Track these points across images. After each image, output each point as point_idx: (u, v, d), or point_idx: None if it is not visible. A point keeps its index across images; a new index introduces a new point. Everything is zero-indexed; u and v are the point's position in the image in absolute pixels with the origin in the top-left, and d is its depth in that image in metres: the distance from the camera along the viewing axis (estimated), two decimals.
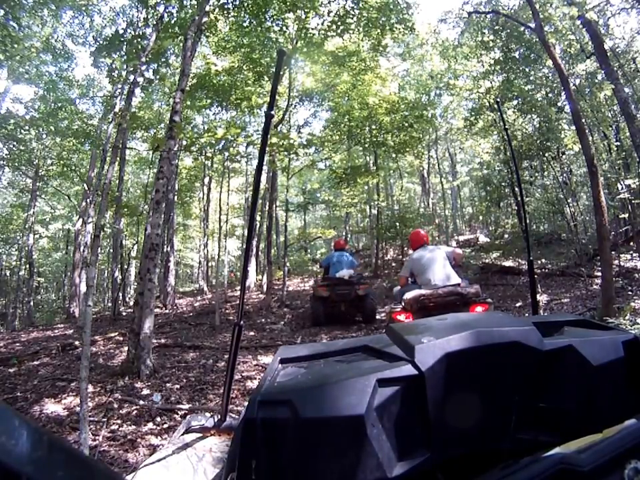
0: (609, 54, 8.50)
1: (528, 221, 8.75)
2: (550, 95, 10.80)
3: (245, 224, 17.32)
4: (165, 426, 3.27)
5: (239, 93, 10.44)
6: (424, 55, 15.63)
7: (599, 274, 6.92)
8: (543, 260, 9.96)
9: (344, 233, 18.22)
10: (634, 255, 8.69)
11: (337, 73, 11.02)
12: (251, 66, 9.88)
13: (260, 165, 1.05)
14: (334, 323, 7.68)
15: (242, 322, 0.96)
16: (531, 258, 1.54)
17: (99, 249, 4.15)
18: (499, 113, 7.70)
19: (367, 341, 0.75)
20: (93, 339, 6.38)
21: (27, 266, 15.47)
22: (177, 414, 3.47)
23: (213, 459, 1.08)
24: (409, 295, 3.81)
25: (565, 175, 11.37)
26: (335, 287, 7.44)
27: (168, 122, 5.93)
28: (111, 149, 5.40)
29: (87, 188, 12.55)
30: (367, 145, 13.03)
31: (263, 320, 8.56)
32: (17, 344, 7.54)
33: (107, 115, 10.50)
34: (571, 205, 11.10)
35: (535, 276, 1.82)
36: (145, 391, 4.07)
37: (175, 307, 11.86)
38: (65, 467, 0.36)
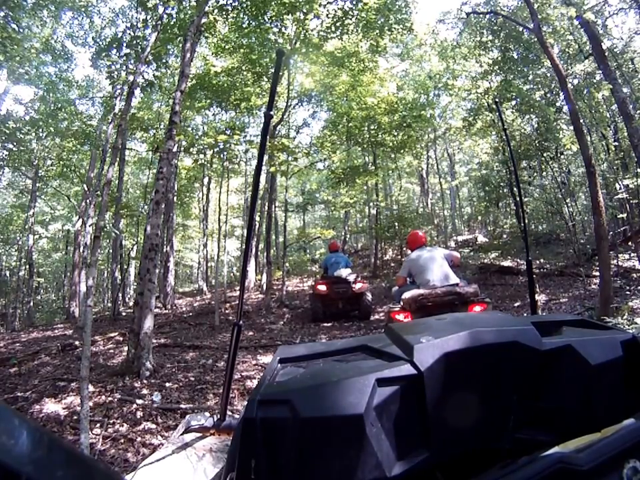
0: (607, 54, 8.50)
1: (526, 221, 8.75)
2: (548, 95, 10.81)
3: (245, 224, 17.31)
4: (165, 425, 3.27)
5: (238, 93, 10.45)
6: (422, 56, 15.65)
7: (597, 274, 6.92)
8: (542, 260, 9.97)
9: (343, 233, 18.21)
10: (632, 254, 8.70)
11: (336, 74, 11.02)
12: (250, 66, 9.89)
13: (259, 165, 1.05)
14: (332, 319, 7.93)
15: (241, 322, 0.96)
16: (530, 258, 1.54)
17: (99, 249, 4.15)
18: (497, 113, 7.69)
19: (366, 341, 0.75)
20: (93, 339, 6.36)
21: (27, 266, 15.45)
22: (177, 413, 3.47)
23: (213, 458, 1.08)
24: (407, 295, 3.81)
25: (563, 175, 11.38)
26: (333, 285, 7.76)
27: (167, 123, 5.93)
28: (110, 150, 5.40)
29: (86, 188, 12.54)
30: (365, 145, 13.03)
31: (262, 320, 8.56)
32: (17, 344, 7.53)
33: (107, 116, 10.50)
34: (569, 204, 11.11)
35: (534, 276, 1.81)
36: (145, 391, 4.07)
37: (174, 307, 11.86)
38: (65, 467, 0.36)
